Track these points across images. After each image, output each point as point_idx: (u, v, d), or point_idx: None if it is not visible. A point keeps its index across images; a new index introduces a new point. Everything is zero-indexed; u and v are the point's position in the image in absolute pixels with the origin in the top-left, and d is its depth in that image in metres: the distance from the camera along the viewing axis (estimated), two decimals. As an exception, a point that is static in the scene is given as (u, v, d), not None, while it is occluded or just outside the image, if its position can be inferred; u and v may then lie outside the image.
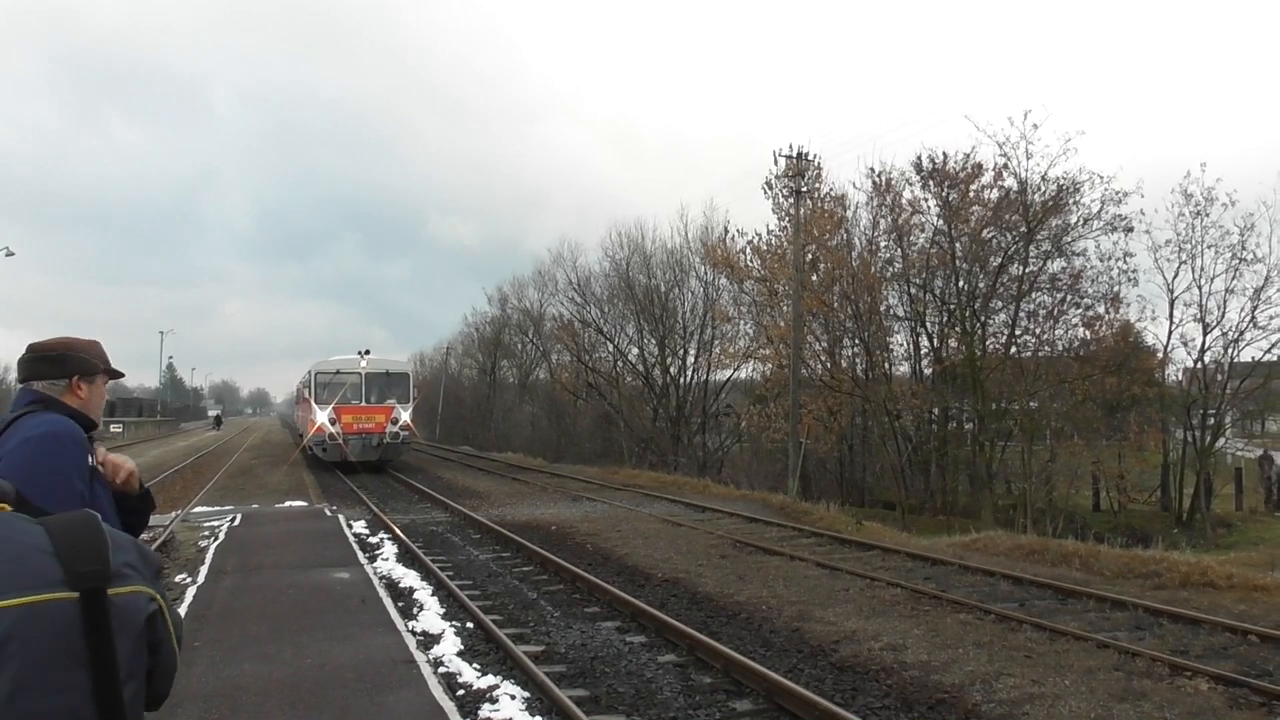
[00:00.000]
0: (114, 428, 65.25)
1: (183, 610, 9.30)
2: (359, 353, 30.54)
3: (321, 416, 29.21)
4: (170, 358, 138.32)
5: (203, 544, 14.38)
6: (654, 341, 42.77)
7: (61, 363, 2.81)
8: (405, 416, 30.50)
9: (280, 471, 30.91)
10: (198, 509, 19.67)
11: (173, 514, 18.40)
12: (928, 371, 33.57)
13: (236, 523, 16.55)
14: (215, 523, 16.79)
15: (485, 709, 6.68)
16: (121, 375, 3.09)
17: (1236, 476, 33.33)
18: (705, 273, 40.98)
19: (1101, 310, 29.62)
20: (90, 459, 2.66)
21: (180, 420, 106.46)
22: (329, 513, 18.11)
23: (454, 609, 10.14)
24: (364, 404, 30.05)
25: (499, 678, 7.39)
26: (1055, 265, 29.46)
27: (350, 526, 16.07)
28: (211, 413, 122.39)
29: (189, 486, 25.43)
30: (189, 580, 11.28)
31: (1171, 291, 29.57)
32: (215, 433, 76.55)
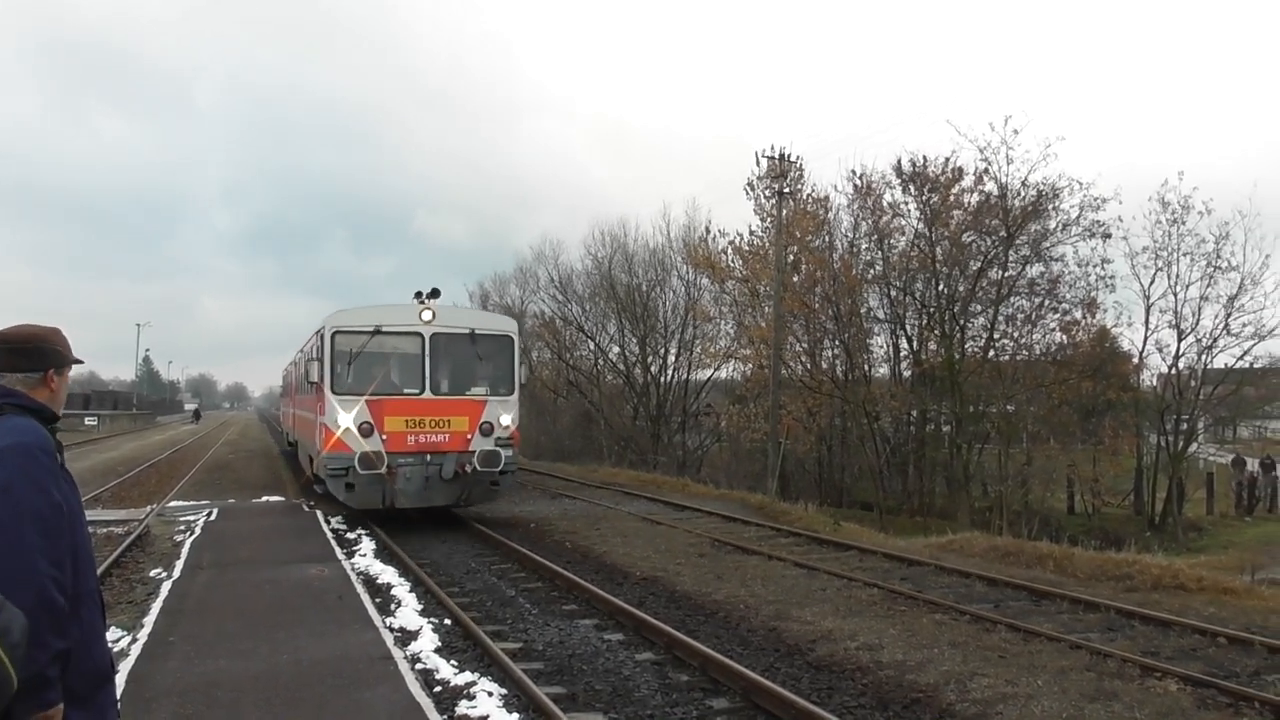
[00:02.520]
0: (88, 420, 64.51)
1: (157, 605, 9.25)
2: (416, 297, 16.50)
3: (344, 418, 15.38)
4: (147, 350, 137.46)
5: (178, 538, 14.28)
6: (635, 340, 42.85)
7: (38, 356, 2.80)
8: (508, 419, 16.56)
9: (257, 466, 30.68)
10: (173, 503, 19.50)
11: (148, 508, 18.26)
12: (907, 374, 33.79)
13: (213, 517, 16.45)
14: (191, 517, 16.66)
15: (463, 705, 6.67)
16: (81, 362, 3.09)
17: (1208, 481, 33.77)
18: (687, 272, 41.12)
19: (1079, 315, 30.00)
20: (59, 458, 2.69)
21: (156, 414, 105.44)
22: (306, 508, 18.00)
23: (432, 605, 10.11)
24: (427, 394, 16.04)
25: (476, 674, 7.39)
26: (1034, 270, 29.80)
27: (328, 522, 15.99)
28: (189, 406, 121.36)
29: (165, 481, 25.20)
30: (164, 575, 11.21)
31: (1147, 298, 29.96)
32: (193, 426, 75.99)
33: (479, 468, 15.68)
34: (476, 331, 16.75)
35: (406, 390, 16.11)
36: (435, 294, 16.44)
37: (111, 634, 8.28)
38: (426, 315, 16.18)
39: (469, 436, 16.07)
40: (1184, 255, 28.82)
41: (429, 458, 15.80)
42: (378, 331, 16.00)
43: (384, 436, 15.51)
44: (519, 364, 17.49)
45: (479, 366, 16.87)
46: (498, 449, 16.04)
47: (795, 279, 33.84)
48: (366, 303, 15.76)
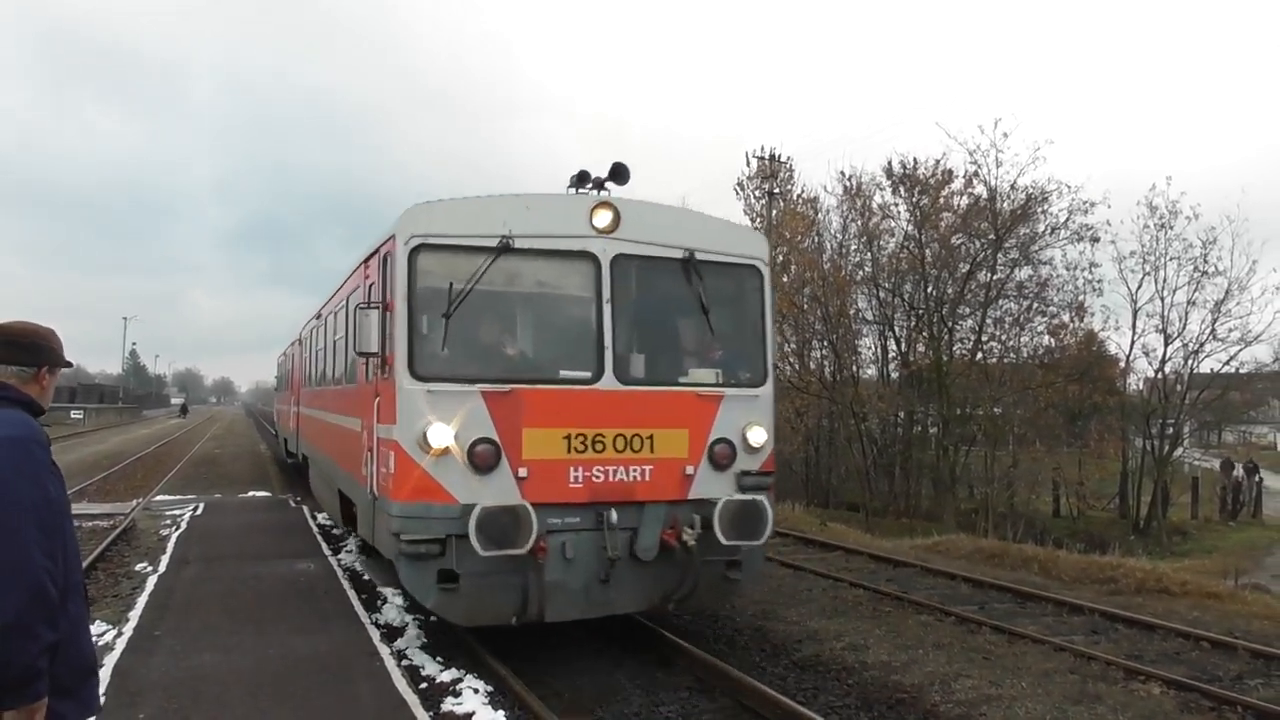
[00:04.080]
0: (74, 414, 64.14)
1: (142, 599, 9.20)
2: (576, 184, 8.14)
3: (437, 431, 7.07)
4: (134, 344, 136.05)
5: (164, 533, 14.21)
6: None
7: (36, 352, 2.85)
8: (761, 434, 8.04)
9: (244, 461, 30.56)
10: (159, 498, 19.42)
11: (134, 502, 18.16)
12: (895, 375, 33.89)
13: (199, 512, 16.36)
14: (177, 512, 16.58)
15: (448, 702, 6.66)
16: (71, 365, 3.13)
17: (1193, 486, 33.99)
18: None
19: (1066, 319, 30.11)
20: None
21: (143, 407, 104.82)
22: (293, 504, 17.93)
23: (417, 602, 10.07)
24: (607, 382, 7.57)
25: (462, 671, 7.37)
26: (1022, 273, 29.91)
27: (314, 518, 15.92)
28: (175, 400, 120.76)
29: (150, 475, 25.10)
30: (150, 569, 11.15)
31: (1135, 302, 30.12)
32: (180, 420, 75.73)
33: (722, 538, 7.56)
34: (698, 255, 8.17)
35: (565, 374, 7.79)
36: (619, 175, 8.15)
37: (97, 628, 8.24)
38: (603, 219, 7.84)
39: (689, 470, 7.87)
40: (1171, 260, 29.04)
41: (614, 515, 7.55)
42: (506, 248, 7.58)
43: (521, 471, 7.37)
44: (772, 321, 8.84)
45: (704, 325, 8.35)
46: (753, 498, 7.81)
47: (784, 279, 33.89)
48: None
